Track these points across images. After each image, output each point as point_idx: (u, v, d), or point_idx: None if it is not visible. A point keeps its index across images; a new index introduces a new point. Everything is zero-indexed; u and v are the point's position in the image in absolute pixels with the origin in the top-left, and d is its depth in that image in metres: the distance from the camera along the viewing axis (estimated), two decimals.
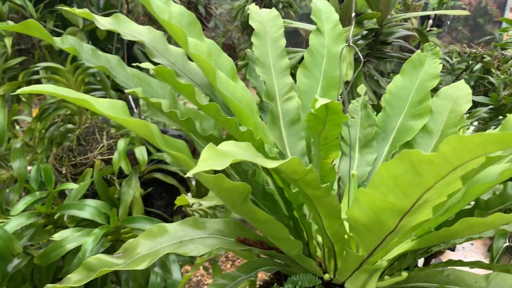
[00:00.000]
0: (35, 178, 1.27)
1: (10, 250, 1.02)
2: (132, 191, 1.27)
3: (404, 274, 0.64)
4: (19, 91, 0.45)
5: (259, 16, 0.89)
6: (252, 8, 0.91)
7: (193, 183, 1.47)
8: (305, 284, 0.66)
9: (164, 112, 0.49)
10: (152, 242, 0.60)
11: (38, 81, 1.33)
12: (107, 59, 0.61)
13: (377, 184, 0.41)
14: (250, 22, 0.88)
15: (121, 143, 1.25)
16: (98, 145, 1.34)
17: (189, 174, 0.30)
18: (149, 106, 0.59)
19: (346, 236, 0.57)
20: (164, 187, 1.41)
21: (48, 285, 0.55)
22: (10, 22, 0.56)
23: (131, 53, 2.46)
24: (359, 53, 0.71)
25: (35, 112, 1.53)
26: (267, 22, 0.90)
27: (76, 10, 0.55)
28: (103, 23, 0.57)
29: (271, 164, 0.35)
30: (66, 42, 0.54)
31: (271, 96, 0.80)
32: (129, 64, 0.67)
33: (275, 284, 0.68)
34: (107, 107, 0.42)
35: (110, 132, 1.39)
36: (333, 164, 0.59)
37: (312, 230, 0.62)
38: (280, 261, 0.68)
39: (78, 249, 1.05)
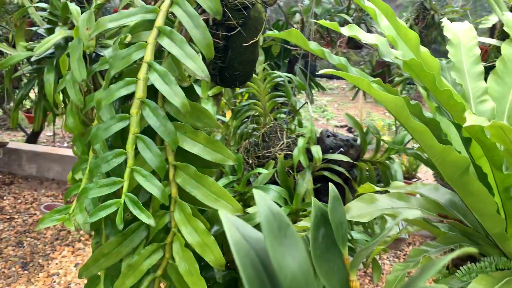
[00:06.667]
0: (229, 165, 1.56)
1: (217, 216, 1.30)
2: (305, 184, 1.47)
3: None
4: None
5: (453, 28, 1.00)
6: (446, 22, 1.02)
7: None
8: (500, 266, 0.74)
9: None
10: (366, 206, 0.76)
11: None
12: (339, 60, 0.80)
13: None
14: (445, 33, 0.99)
15: (301, 141, 1.47)
16: (278, 142, 1.58)
17: (467, 124, 0.45)
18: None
19: None
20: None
21: None
22: None
23: (293, 67, 2.76)
24: None
25: (228, 113, 1.87)
26: (461, 34, 0.99)
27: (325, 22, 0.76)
28: (344, 31, 0.76)
29: None
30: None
31: (466, 98, 0.89)
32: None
33: (469, 262, 0.76)
34: (377, 86, 0.60)
35: (288, 133, 1.63)
36: None
37: None
38: (472, 240, 0.77)
39: None
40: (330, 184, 0.41)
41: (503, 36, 1.53)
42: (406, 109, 0.55)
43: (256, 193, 0.27)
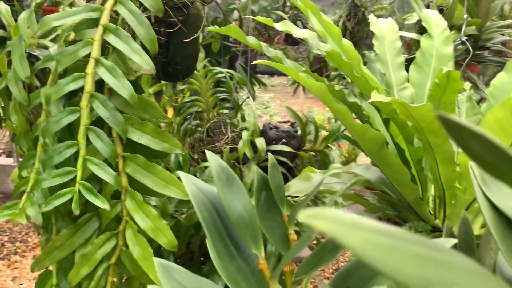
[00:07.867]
0: (174, 161, 1.61)
1: (166, 210, 1.35)
2: (251, 175, 1.56)
3: None
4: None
5: (378, 24, 1.14)
6: (372, 18, 1.15)
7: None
8: (419, 229, 0.87)
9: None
10: (303, 183, 0.86)
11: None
12: (276, 53, 0.89)
13: (484, 129, 0.62)
14: (371, 28, 1.12)
15: (245, 134, 1.55)
16: (223, 136, 1.66)
17: (370, 100, 0.55)
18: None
19: (456, 184, 0.77)
20: None
21: None
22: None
23: (233, 65, 2.86)
24: (469, 47, 0.91)
25: (169, 111, 1.91)
26: (385, 29, 1.13)
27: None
28: (278, 27, 0.85)
29: (414, 106, 0.59)
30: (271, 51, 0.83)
31: (389, 85, 1.03)
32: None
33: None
34: (304, 75, 0.69)
35: (232, 128, 1.71)
36: None
37: (428, 182, 0.83)
38: (395, 209, 0.89)
39: None
40: (269, 153, 0.49)
41: (422, 31, 1.72)
42: (328, 94, 0.65)
43: (208, 153, 0.34)
